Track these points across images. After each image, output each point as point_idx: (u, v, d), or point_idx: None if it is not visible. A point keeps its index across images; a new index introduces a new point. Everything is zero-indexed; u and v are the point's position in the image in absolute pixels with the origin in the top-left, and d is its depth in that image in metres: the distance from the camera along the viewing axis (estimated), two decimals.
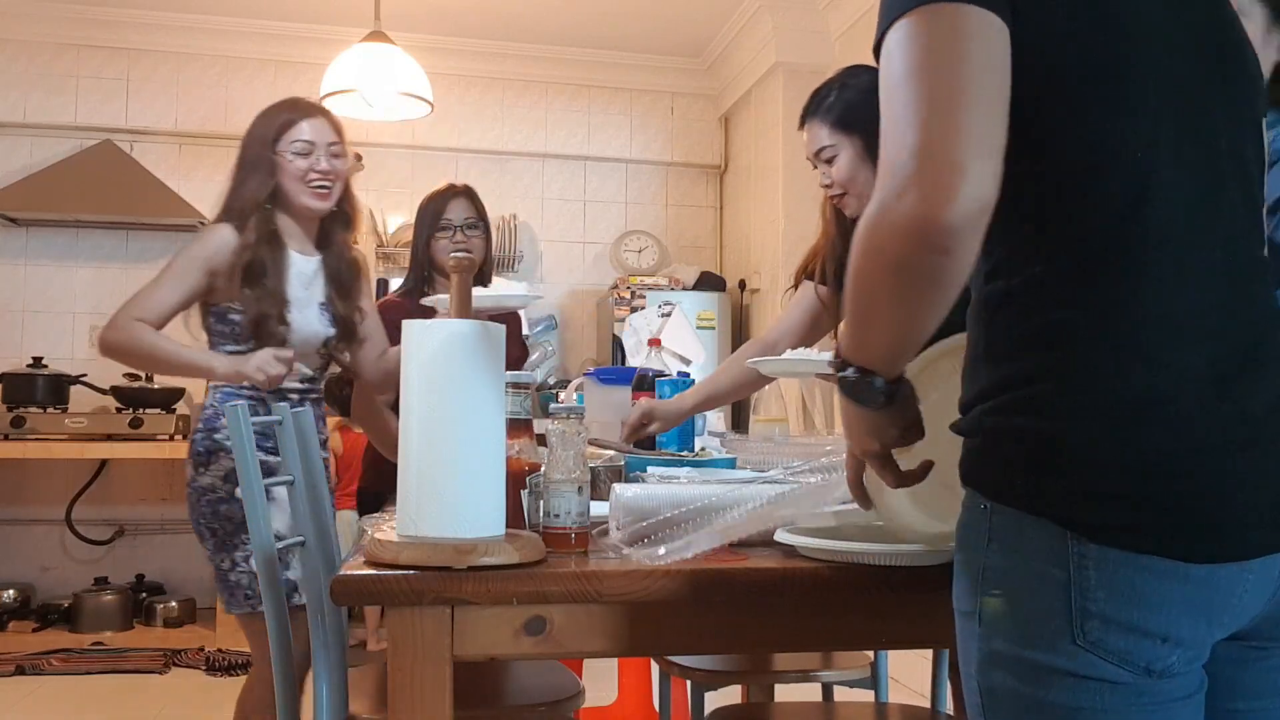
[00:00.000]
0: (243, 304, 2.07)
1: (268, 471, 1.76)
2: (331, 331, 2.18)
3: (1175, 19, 0.90)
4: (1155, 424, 0.83)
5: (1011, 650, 0.87)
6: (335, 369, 2.35)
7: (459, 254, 1.33)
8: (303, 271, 2.16)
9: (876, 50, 0.87)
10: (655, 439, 2.04)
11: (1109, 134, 0.86)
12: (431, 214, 2.61)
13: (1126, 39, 0.87)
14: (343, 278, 2.22)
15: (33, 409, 4.15)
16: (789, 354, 1.85)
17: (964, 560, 0.92)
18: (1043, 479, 0.86)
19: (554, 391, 4.23)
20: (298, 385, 2.16)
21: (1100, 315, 0.86)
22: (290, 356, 2.04)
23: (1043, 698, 0.86)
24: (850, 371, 0.92)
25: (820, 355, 1.78)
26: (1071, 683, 0.84)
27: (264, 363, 2.01)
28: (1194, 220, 0.87)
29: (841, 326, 0.99)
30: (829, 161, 1.86)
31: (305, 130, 2.15)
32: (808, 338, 2.06)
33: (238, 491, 1.67)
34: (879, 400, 0.92)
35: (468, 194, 2.64)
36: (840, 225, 1.95)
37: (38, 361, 4.32)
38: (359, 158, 4.91)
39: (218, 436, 2.06)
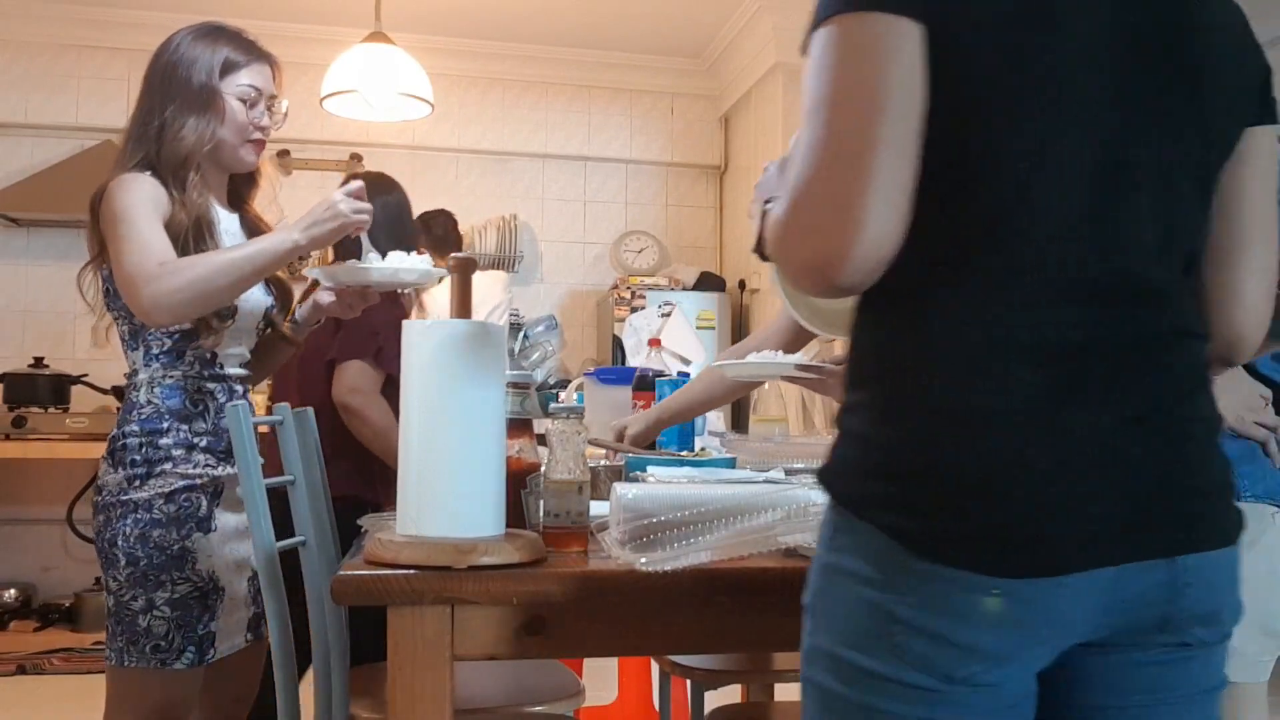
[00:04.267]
0: None
1: (217, 490, 1.69)
2: (271, 300, 1.83)
3: (1108, 28, 0.87)
4: (977, 438, 0.83)
5: (830, 647, 0.89)
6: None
7: (459, 254, 1.32)
8: (230, 230, 1.79)
9: (805, 52, 0.88)
10: (655, 440, 2.04)
11: (987, 144, 0.85)
12: None
13: (1028, 47, 0.85)
14: None
15: (34, 409, 4.15)
16: (754, 356, 1.82)
17: (814, 555, 0.94)
18: (869, 484, 0.87)
19: (554, 391, 4.23)
20: (239, 371, 1.79)
21: (943, 327, 0.86)
22: (359, 189, 1.66)
23: (851, 696, 0.87)
24: None
25: (787, 358, 1.76)
26: (877, 684, 0.85)
27: (348, 205, 1.63)
28: (1069, 238, 0.86)
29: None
30: None
31: (254, 75, 1.76)
32: (791, 344, 2.00)
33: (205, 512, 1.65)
34: None
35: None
36: None
37: (39, 361, 4.32)
38: (359, 158, 4.92)
39: (164, 443, 1.66)
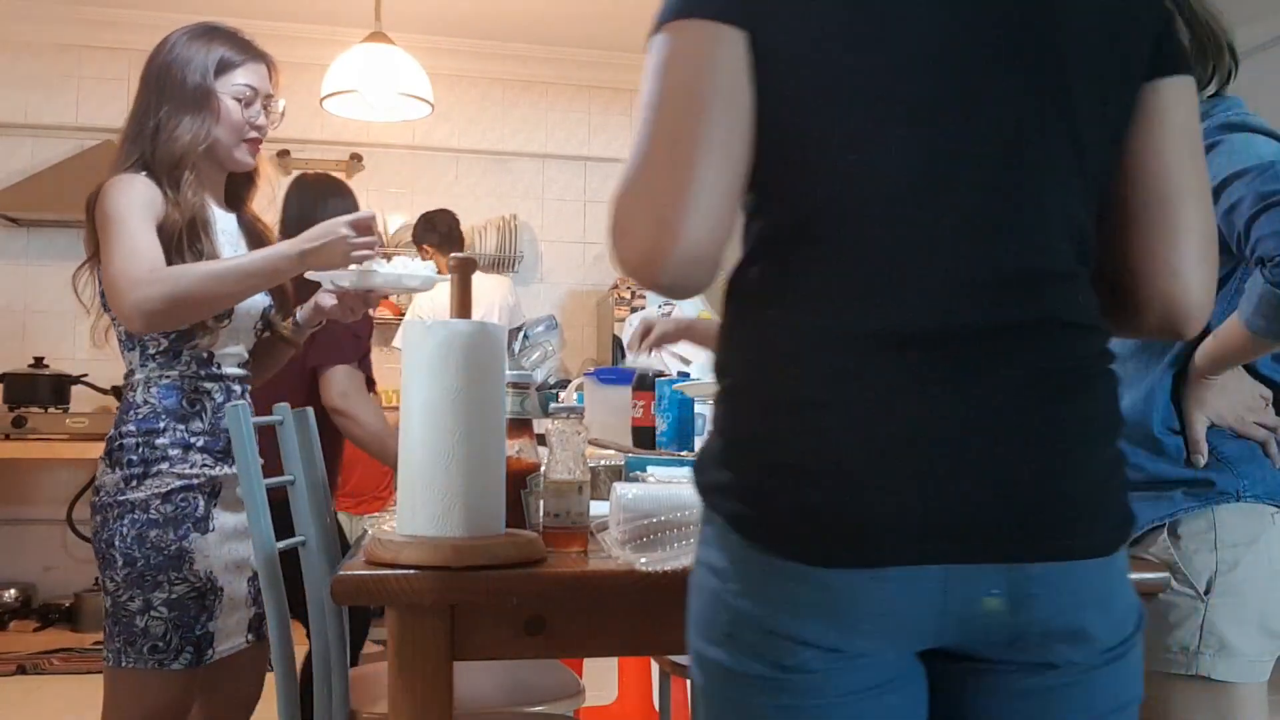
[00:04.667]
0: None
1: (214, 490, 1.69)
2: (269, 301, 1.82)
3: (942, 26, 0.85)
4: (805, 428, 0.83)
5: (693, 642, 0.90)
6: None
7: (459, 254, 1.32)
8: (227, 231, 1.79)
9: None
10: (655, 440, 2.04)
11: (812, 143, 0.85)
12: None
13: (852, 48, 0.84)
14: (264, 241, 1.84)
15: (34, 409, 4.15)
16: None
17: None
18: (717, 473, 0.88)
19: (554, 391, 4.23)
20: (237, 371, 1.78)
21: (775, 318, 0.86)
22: (369, 220, 1.66)
23: (709, 690, 0.88)
24: None
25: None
26: (725, 676, 0.86)
27: (353, 236, 1.63)
28: (899, 229, 0.84)
29: None
30: None
31: (250, 74, 1.75)
32: None
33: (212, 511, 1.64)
34: None
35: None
36: None
37: (39, 361, 4.32)
38: (359, 158, 4.92)
39: (160, 442, 1.66)
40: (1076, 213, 0.88)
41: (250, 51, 1.78)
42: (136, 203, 1.61)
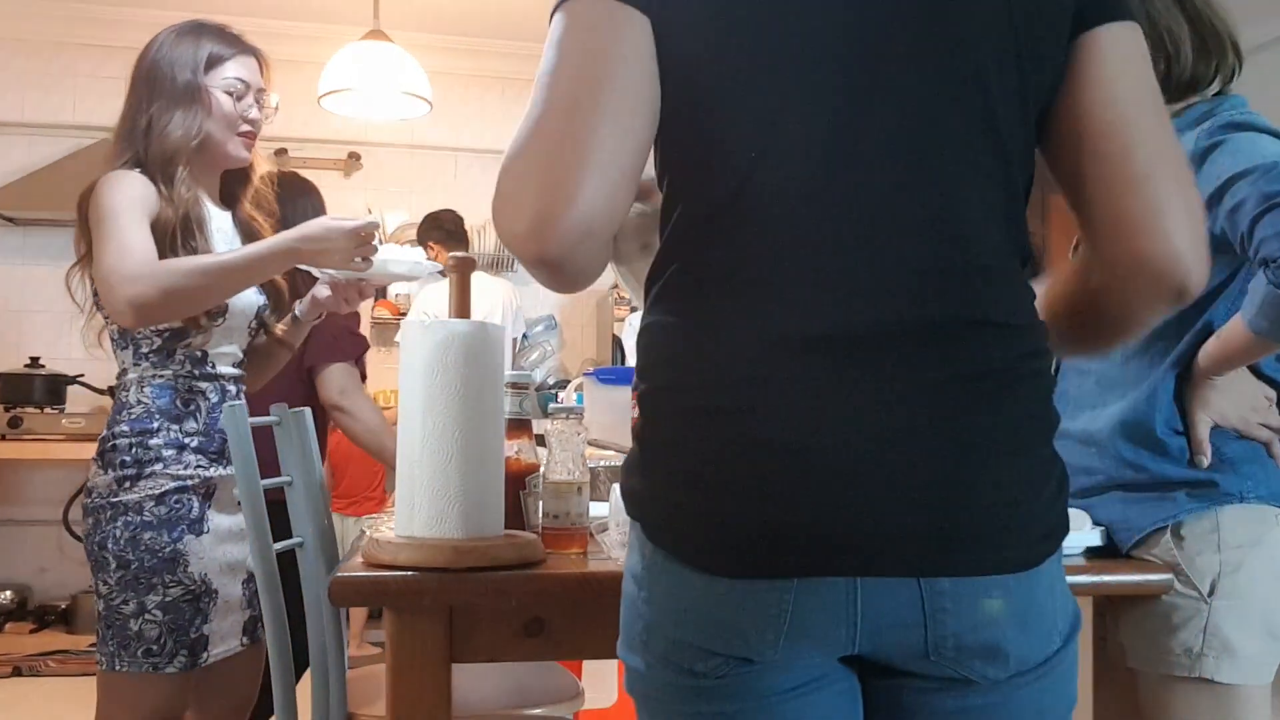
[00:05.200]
0: None
1: (209, 492, 1.67)
2: (263, 300, 1.81)
3: (847, 10, 0.82)
4: (710, 435, 0.81)
5: (618, 648, 0.89)
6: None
7: (458, 253, 1.31)
8: (222, 229, 1.77)
9: None
10: None
11: (713, 134, 0.83)
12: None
13: (746, 34, 0.82)
14: (259, 239, 1.79)
15: (30, 409, 4.14)
16: None
17: None
18: (634, 480, 0.87)
19: (553, 391, 4.22)
20: (232, 371, 1.77)
21: (684, 324, 0.85)
22: (372, 227, 1.64)
23: (636, 696, 0.87)
24: None
25: None
26: (643, 680, 0.86)
27: (352, 244, 1.62)
28: (812, 228, 0.81)
29: None
30: None
31: (240, 68, 1.74)
32: None
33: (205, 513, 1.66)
34: None
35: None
36: None
37: (34, 361, 4.31)
38: (356, 157, 4.91)
39: (154, 443, 1.63)
40: (998, 200, 0.83)
41: (239, 45, 1.77)
42: (130, 198, 1.60)
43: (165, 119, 1.67)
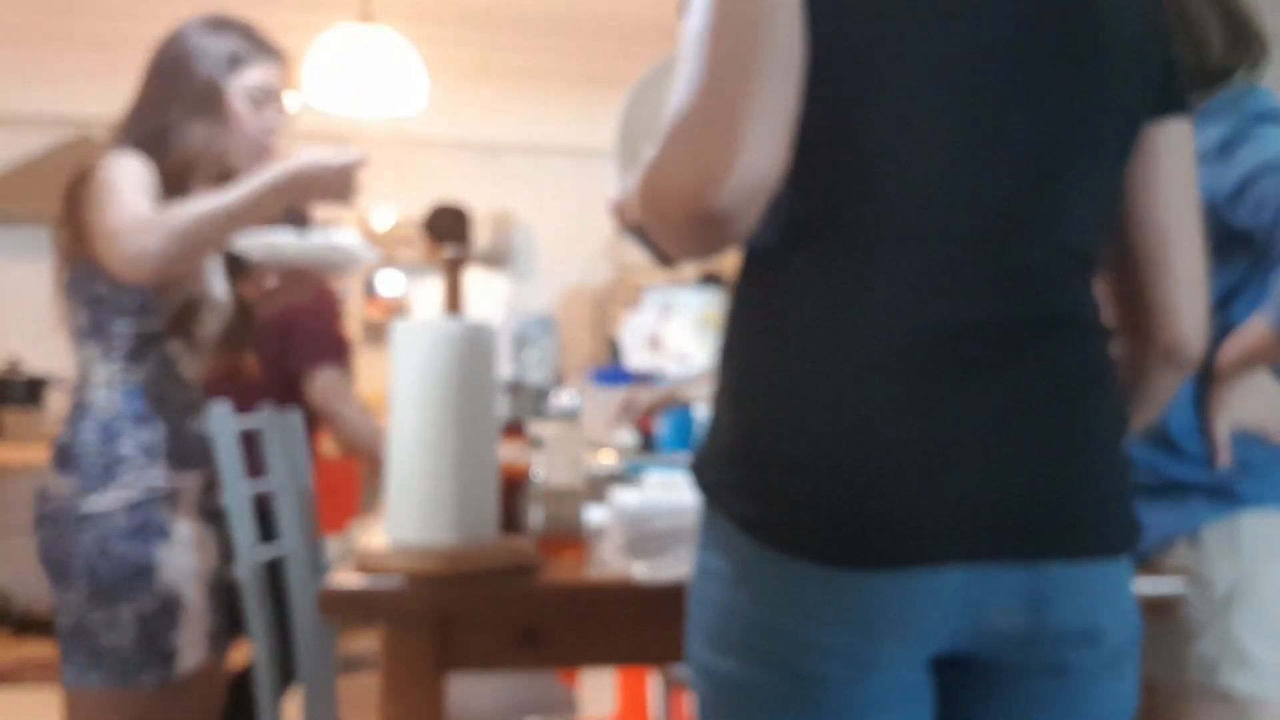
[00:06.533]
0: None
1: (177, 499, 1.60)
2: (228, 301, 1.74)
3: (996, 13, 0.84)
4: (822, 421, 0.80)
5: (698, 652, 0.87)
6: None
7: (450, 253, 1.28)
8: None
9: (681, 11, 0.86)
10: (653, 444, 2.01)
11: (850, 111, 0.83)
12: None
13: (901, 16, 0.83)
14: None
15: (7, 411, 4.09)
16: None
17: None
18: (723, 471, 0.85)
19: (549, 393, 4.20)
20: (195, 380, 1.69)
21: (796, 304, 0.84)
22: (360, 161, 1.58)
23: (721, 703, 0.85)
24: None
25: None
26: (735, 686, 0.83)
27: (343, 182, 1.55)
28: (935, 211, 0.83)
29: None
30: None
31: (263, 73, 1.67)
32: None
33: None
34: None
35: None
36: None
37: (14, 368, 4.25)
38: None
39: (124, 452, 1.54)
40: (1089, 216, 0.89)
41: (258, 43, 1.70)
42: (134, 174, 1.53)
43: (184, 130, 1.61)
